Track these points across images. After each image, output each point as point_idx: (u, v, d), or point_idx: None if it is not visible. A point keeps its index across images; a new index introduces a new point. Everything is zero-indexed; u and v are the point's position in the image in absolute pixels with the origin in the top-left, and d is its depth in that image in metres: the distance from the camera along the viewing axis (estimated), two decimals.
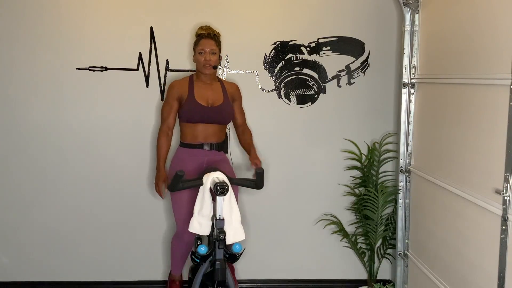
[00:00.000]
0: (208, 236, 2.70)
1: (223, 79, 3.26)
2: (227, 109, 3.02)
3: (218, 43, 3.00)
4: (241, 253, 2.65)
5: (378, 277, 3.48)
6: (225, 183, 2.56)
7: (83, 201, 3.41)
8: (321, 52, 3.39)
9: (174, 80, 3.07)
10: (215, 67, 2.97)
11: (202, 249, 2.59)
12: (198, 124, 2.97)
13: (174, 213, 3.00)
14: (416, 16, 3.01)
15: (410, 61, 3.06)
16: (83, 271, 3.47)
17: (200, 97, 2.97)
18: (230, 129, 3.28)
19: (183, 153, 3.02)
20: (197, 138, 2.98)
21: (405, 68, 3.08)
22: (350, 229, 3.51)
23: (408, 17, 3.04)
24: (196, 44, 2.99)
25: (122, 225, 3.45)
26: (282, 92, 3.42)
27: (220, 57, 3.02)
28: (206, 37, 2.96)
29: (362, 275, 3.58)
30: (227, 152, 3.15)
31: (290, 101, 3.43)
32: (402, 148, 3.14)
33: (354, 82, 3.43)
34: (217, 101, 3.00)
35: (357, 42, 3.40)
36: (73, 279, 3.47)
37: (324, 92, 3.43)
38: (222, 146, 3.06)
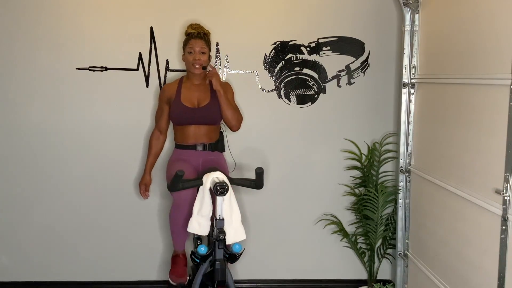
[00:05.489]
0: (208, 236, 2.70)
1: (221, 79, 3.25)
2: (213, 109, 2.97)
3: (208, 43, 3.00)
4: (241, 253, 2.65)
5: (378, 277, 3.48)
6: (225, 183, 2.56)
7: (83, 201, 3.42)
8: (321, 52, 3.39)
9: (167, 83, 3.08)
10: (204, 68, 2.97)
11: (202, 249, 2.59)
12: (188, 125, 2.98)
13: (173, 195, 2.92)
14: (416, 16, 3.01)
15: (410, 61, 3.06)
16: (83, 271, 3.47)
17: (186, 99, 2.98)
18: (226, 128, 3.26)
19: (178, 154, 3.03)
20: (189, 139, 2.99)
21: (405, 68, 3.08)
22: (350, 229, 3.51)
23: (408, 17, 3.04)
24: (185, 44, 2.99)
25: (122, 225, 3.45)
26: (282, 92, 3.42)
27: (209, 56, 3.02)
28: (196, 37, 2.96)
29: (362, 275, 3.58)
30: (223, 151, 3.15)
31: (290, 101, 3.43)
32: (402, 148, 3.14)
33: (354, 82, 3.43)
34: (204, 101, 2.99)
35: (357, 42, 3.40)
36: (73, 279, 3.48)
37: (324, 92, 3.43)
38: (216, 146, 3.06)
